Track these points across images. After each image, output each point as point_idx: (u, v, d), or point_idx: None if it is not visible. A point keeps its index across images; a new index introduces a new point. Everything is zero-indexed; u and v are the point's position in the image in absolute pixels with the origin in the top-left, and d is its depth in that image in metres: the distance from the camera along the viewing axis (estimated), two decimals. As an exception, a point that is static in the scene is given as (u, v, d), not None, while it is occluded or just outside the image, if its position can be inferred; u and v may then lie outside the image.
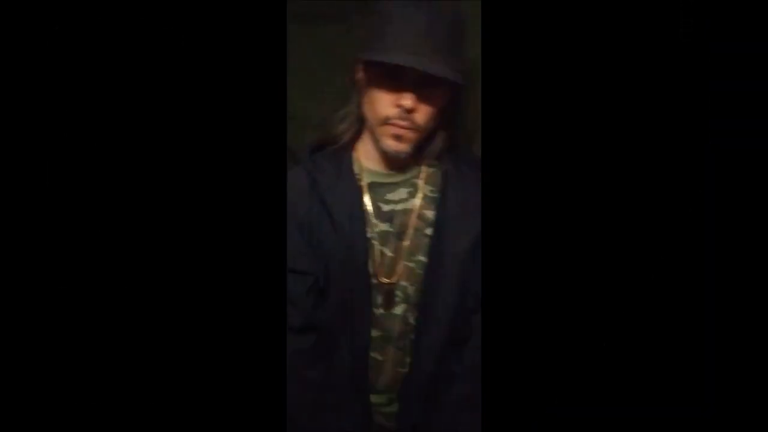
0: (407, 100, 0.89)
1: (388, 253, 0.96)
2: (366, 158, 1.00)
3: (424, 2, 0.89)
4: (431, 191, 0.99)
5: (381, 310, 0.96)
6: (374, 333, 0.96)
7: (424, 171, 0.99)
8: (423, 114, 0.92)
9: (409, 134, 0.92)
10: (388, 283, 0.96)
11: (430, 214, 0.98)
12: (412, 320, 0.96)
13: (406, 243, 0.96)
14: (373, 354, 0.97)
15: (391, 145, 0.93)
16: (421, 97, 0.91)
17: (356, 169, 0.99)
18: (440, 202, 0.98)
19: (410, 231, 0.97)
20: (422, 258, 0.96)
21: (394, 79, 0.90)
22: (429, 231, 0.97)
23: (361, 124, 0.99)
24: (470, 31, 0.97)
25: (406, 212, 0.97)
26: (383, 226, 0.97)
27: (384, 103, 0.92)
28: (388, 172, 0.99)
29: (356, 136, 1.00)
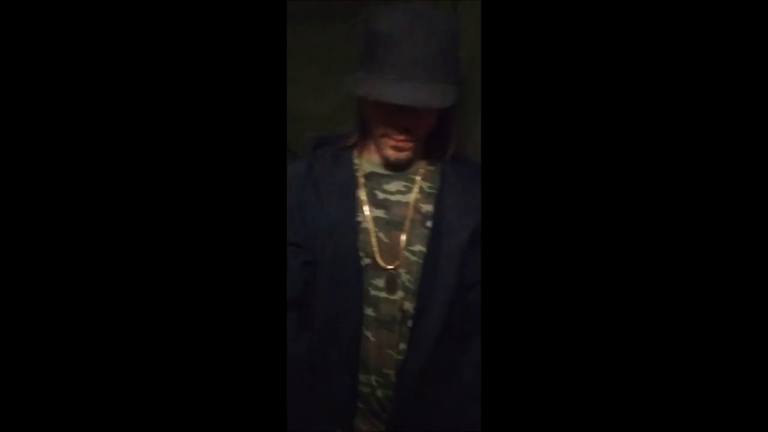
0: (403, 121, 0.96)
1: (385, 239, 1.00)
2: (368, 154, 1.05)
3: (420, 19, 0.92)
4: (429, 187, 1.03)
5: (383, 294, 0.98)
6: (368, 312, 0.98)
7: (423, 169, 1.04)
8: (421, 128, 0.99)
9: (408, 144, 0.99)
10: (391, 269, 0.99)
11: (428, 207, 1.02)
12: (408, 308, 0.98)
13: (404, 233, 1.00)
14: (365, 333, 0.98)
15: (391, 154, 1.00)
16: (418, 115, 0.96)
17: (356, 162, 1.05)
18: (438, 197, 1.02)
19: (407, 222, 1.00)
20: (421, 248, 0.99)
21: (390, 104, 0.94)
22: (428, 224, 1.00)
23: (363, 132, 1.05)
24: (467, 33, 0.98)
25: (403, 204, 1.02)
26: (377, 212, 1.01)
27: (381, 122, 0.98)
28: (388, 171, 1.04)
29: (359, 141, 1.06)
